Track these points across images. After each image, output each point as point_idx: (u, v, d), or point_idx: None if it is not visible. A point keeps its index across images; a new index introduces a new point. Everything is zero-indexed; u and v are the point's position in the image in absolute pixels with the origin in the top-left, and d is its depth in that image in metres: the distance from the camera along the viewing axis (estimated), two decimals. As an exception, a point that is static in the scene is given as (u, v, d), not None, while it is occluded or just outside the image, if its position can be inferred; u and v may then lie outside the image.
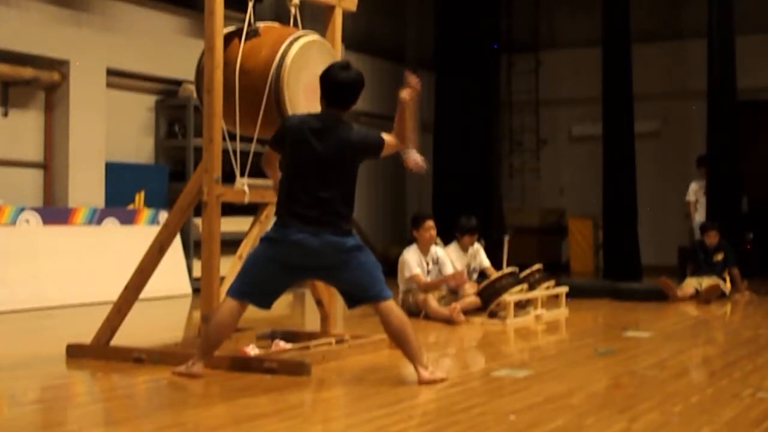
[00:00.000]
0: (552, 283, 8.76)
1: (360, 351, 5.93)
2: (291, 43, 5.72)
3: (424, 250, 8.42)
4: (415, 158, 5.29)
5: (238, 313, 5.13)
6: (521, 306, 8.22)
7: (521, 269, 8.46)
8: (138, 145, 10.89)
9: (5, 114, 9.53)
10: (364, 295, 5.11)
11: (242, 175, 5.78)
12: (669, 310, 9.31)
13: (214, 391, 4.87)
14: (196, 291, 9.72)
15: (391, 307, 5.08)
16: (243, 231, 6.28)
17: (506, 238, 8.78)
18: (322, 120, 5.08)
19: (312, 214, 4.97)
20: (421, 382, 4.96)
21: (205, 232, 5.60)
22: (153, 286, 6.02)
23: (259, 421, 4.15)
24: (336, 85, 5.08)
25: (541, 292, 8.46)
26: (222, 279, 5.62)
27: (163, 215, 9.74)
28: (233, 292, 5.12)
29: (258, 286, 5.11)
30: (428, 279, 8.35)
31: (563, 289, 8.86)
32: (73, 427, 4.23)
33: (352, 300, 5.19)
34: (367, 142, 5.12)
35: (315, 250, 4.98)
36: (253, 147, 5.78)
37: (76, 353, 5.72)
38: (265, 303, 5.19)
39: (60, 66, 9.78)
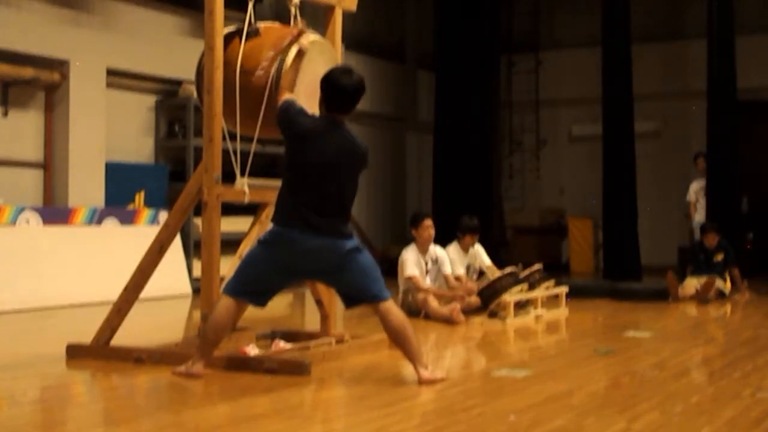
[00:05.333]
0: (552, 283, 8.76)
1: (360, 351, 5.93)
2: (291, 43, 5.71)
3: (423, 249, 8.42)
4: None
5: (235, 311, 5.13)
6: (521, 306, 8.22)
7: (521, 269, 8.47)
8: (138, 145, 10.89)
9: (5, 114, 9.53)
10: (362, 296, 5.11)
11: (242, 175, 5.78)
12: (669, 310, 9.30)
13: (214, 391, 4.86)
14: (196, 291, 9.72)
15: (391, 307, 5.08)
16: (243, 231, 6.28)
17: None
18: (325, 124, 5.06)
19: (312, 217, 4.95)
20: (422, 382, 4.95)
21: (205, 232, 5.60)
22: (153, 286, 6.02)
23: (259, 421, 4.15)
24: (337, 90, 5.04)
25: (541, 292, 8.46)
26: (222, 279, 5.62)
27: (163, 215, 9.73)
28: (229, 290, 5.12)
29: (254, 285, 5.11)
30: (428, 280, 8.37)
31: (563, 289, 8.85)
32: (73, 427, 4.24)
33: (351, 300, 5.19)
34: (366, 153, 5.14)
35: (314, 253, 4.97)
36: (253, 147, 5.78)
37: (76, 353, 5.72)
38: (261, 301, 5.20)
39: (60, 66, 9.79)
